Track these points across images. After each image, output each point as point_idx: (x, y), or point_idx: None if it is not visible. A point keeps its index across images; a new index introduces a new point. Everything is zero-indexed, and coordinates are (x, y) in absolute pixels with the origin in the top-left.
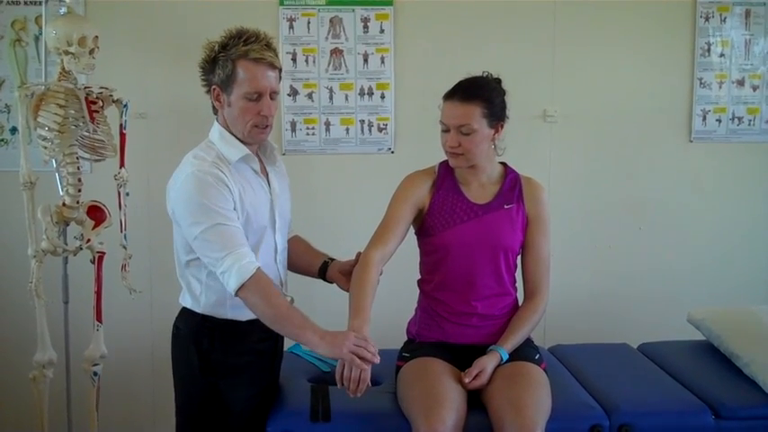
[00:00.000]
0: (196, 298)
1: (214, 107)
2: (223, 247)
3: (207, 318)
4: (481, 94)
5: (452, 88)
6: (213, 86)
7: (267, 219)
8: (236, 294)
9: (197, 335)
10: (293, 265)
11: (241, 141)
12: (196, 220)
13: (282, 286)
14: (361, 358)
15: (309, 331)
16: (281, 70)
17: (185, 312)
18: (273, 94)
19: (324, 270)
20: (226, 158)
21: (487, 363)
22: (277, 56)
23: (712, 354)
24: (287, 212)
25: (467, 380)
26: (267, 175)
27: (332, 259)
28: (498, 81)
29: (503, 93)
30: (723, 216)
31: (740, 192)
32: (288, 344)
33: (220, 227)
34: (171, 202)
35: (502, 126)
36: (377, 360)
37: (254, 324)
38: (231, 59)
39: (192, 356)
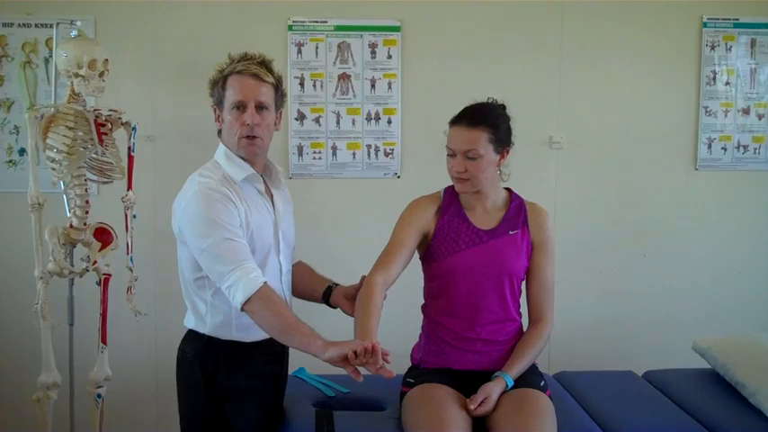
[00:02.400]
0: (201, 318)
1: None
2: (230, 261)
3: (212, 340)
4: (488, 120)
5: (459, 114)
6: (213, 107)
7: (271, 240)
8: (243, 308)
9: (203, 357)
10: (297, 291)
11: (245, 161)
12: (203, 234)
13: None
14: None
15: (319, 339)
16: (276, 87)
17: (191, 335)
18: (260, 105)
19: (328, 295)
20: (231, 178)
21: (493, 389)
22: (271, 73)
23: (718, 382)
24: (291, 236)
25: (472, 406)
26: (272, 197)
27: (336, 284)
28: (503, 107)
29: (508, 119)
30: (728, 243)
31: (745, 220)
32: (292, 368)
33: (228, 242)
34: (177, 219)
35: (507, 152)
36: (387, 358)
37: (259, 346)
38: (224, 77)
39: (198, 379)
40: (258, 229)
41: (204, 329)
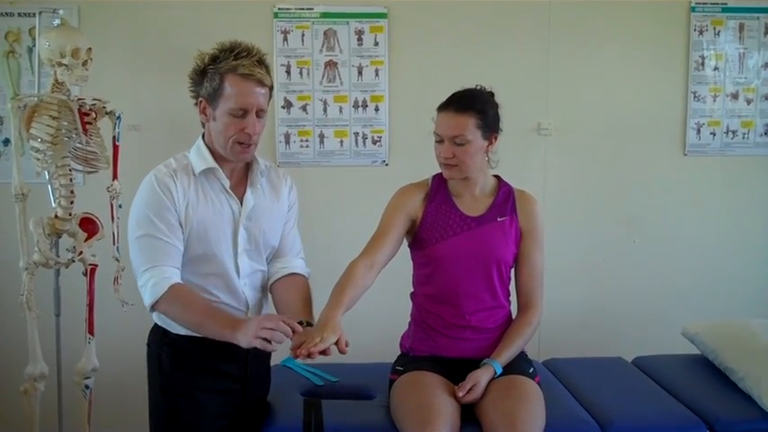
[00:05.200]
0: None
1: (201, 119)
2: (146, 261)
3: (167, 333)
4: (475, 106)
5: (447, 99)
6: (200, 99)
7: (227, 238)
8: (152, 310)
9: (159, 351)
10: (276, 311)
11: (214, 156)
12: (135, 226)
13: (249, 309)
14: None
15: (227, 327)
16: (271, 88)
17: (153, 327)
18: (260, 113)
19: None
20: (192, 169)
21: (481, 376)
22: (269, 73)
23: (707, 368)
24: (263, 236)
25: (460, 393)
26: (244, 194)
27: (308, 323)
28: (491, 94)
29: (496, 105)
30: (717, 229)
31: (734, 205)
32: (279, 358)
33: (152, 239)
34: None
35: (495, 138)
36: (287, 338)
37: (213, 343)
38: (219, 73)
39: (155, 373)
40: (202, 224)
41: (159, 321)
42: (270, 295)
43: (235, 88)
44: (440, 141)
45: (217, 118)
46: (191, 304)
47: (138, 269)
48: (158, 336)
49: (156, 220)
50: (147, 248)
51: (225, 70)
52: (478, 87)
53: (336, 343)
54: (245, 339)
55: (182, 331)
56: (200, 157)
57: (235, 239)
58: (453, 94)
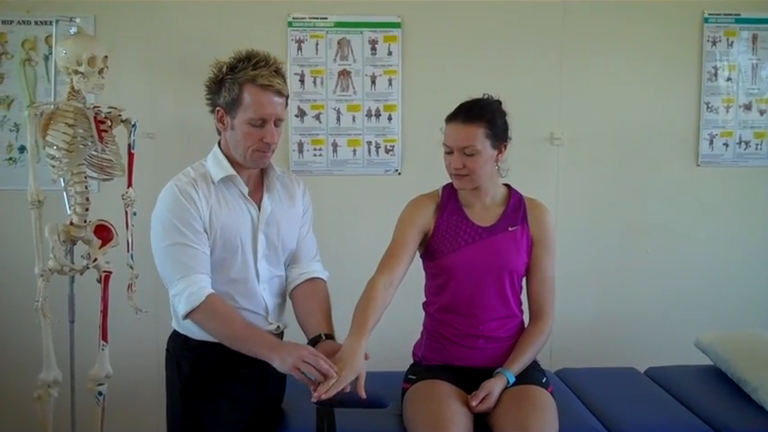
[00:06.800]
0: (177, 316)
1: (218, 128)
2: (179, 269)
3: (188, 339)
4: (484, 115)
5: (455, 110)
6: (217, 108)
7: (247, 244)
8: (185, 319)
9: (179, 356)
10: (296, 317)
11: (231, 163)
12: (162, 235)
13: (269, 314)
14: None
15: (265, 347)
16: (288, 97)
17: (173, 333)
18: (278, 122)
19: (314, 343)
20: (211, 177)
21: (494, 386)
22: (285, 82)
23: (720, 379)
24: (281, 241)
25: (474, 403)
26: (261, 200)
27: (328, 335)
28: (499, 102)
29: (504, 114)
30: (730, 240)
31: (747, 216)
32: None
33: (183, 247)
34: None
35: (505, 147)
36: (327, 378)
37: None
38: (238, 83)
39: (175, 378)
40: (226, 231)
41: (179, 328)
42: (290, 301)
43: (254, 98)
44: (449, 152)
45: (235, 127)
46: (228, 319)
47: (171, 278)
48: (179, 342)
49: (183, 228)
50: (178, 256)
51: (244, 80)
52: (486, 96)
53: (356, 380)
54: (283, 365)
55: (201, 336)
56: (217, 165)
57: (254, 245)
58: (461, 105)
